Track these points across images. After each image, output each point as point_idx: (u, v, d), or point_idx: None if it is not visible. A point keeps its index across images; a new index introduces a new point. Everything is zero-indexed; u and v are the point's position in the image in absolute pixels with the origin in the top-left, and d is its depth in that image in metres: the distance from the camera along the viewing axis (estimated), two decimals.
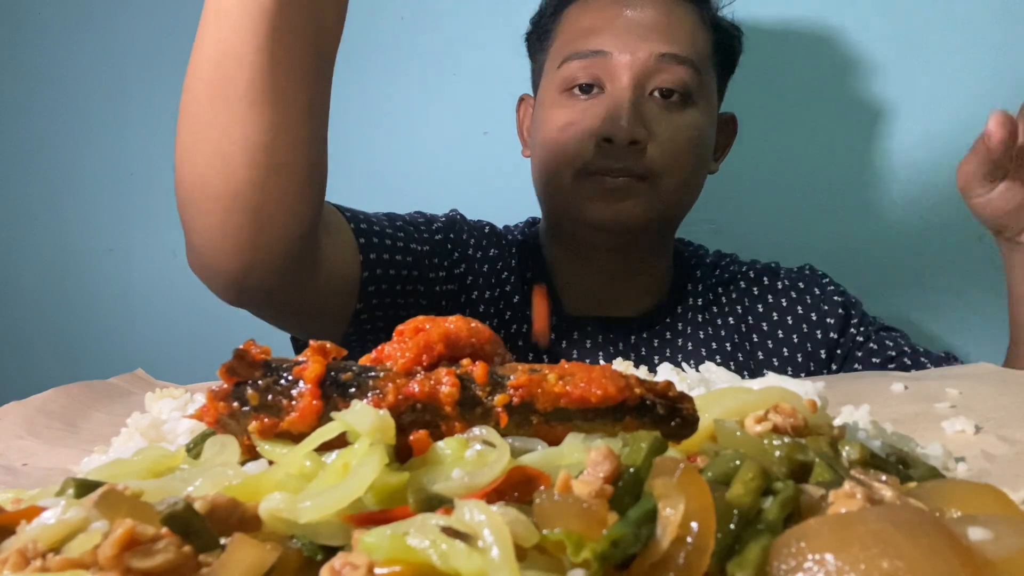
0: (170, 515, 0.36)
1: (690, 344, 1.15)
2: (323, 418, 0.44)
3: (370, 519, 0.36)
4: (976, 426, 0.68)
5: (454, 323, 0.49)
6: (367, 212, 1.04)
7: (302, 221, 0.83)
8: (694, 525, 0.34)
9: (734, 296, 1.19)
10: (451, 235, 1.13)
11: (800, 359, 1.15)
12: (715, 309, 1.18)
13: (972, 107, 1.43)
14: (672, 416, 0.46)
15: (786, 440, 0.43)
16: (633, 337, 1.14)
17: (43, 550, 0.35)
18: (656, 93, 1.05)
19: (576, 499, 0.35)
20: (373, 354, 0.49)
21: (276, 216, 0.79)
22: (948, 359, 1.16)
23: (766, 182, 1.49)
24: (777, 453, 0.42)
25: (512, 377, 0.45)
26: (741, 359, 1.15)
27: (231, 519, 0.38)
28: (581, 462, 0.40)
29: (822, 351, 1.15)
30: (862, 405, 0.67)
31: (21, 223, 1.67)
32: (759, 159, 1.46)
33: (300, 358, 0.46)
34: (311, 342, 0.47)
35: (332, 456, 0.42)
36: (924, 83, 1.45)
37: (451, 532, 0.34)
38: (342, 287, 0.96)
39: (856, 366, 1.14)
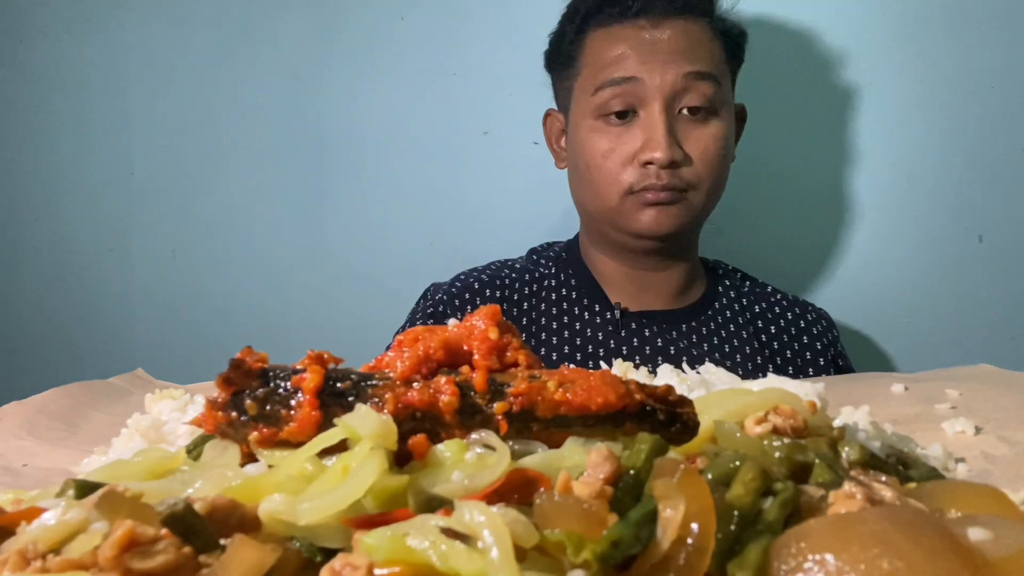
0: (170, 516, 0.36)
1: (723, 333, 1.24)
2: (322, 428, 0.43)
3: (370, 521, 0.36)
4: (976, 427, 0.68)
5: (456, 327, 0.49)
6: None
7: None
8: (694, 526, 0.34)
9: (755, 303, 1.30)
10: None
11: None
12: (744, 302, 1.29)
13: (973, 107, 1.44)
14: (672, 421, 0.46)
15: (786, 441, 0.43)
16: (684, 326, 1.24)
17: (43, 551, 0.35)
18: (685, 111, 1.15)
19: (576, 500, 0.35)
20: (372, 362, 0.49)
21: None
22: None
23: (766, 183, 1.49)
24: (777, 454, 0.42)
25: (512, 384, 0.45)
26: (768, 354, 1.24)
27: (231, 520, 0.38)
28: (581, 464, 0.40)
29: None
30: (862, 406, 0.67)
31: (21, 223, 1.67)
32: (759, 160, 1.46)
33: (298, 366, 0.46)
34: (309, 351, 0.47)
35: (332, 460, 0.41)
36: (924, 83, 1.45)
37: (451, 533, 0.34)
38: None
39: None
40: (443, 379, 0.45)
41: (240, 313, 1.61)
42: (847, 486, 0.38)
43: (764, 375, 0.70)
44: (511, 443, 0.43)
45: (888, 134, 1.47)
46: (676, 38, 1.15)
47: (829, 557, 0.31)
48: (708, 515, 0.34)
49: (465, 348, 0.48)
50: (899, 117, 1.46)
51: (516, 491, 0.38)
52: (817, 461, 0.42)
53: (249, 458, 0.46)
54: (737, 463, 0.39)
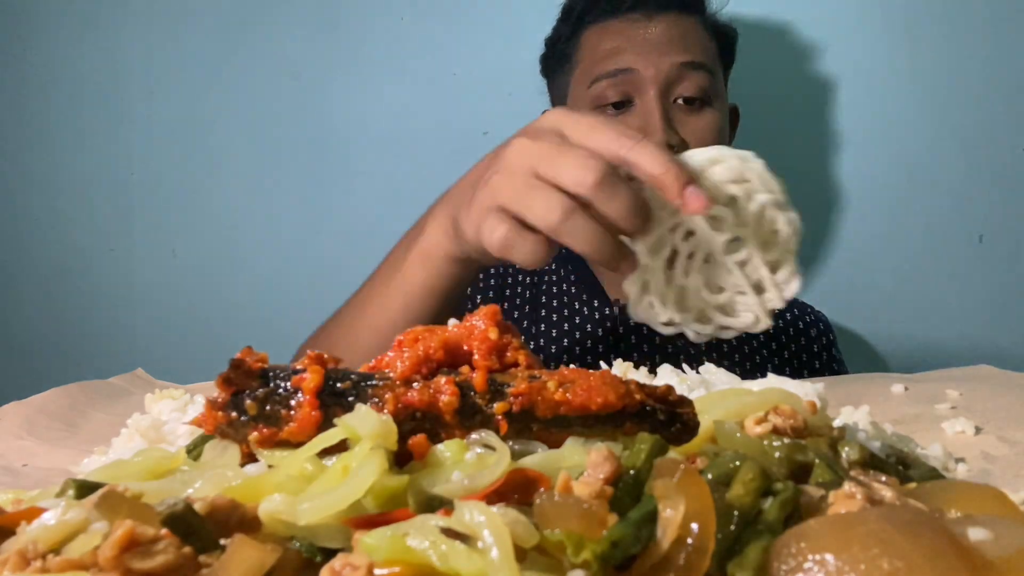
0: (170, 516, 0.36)
1: None
2: (322, 428, 0.43)
3: (370, 521, 0.36)
4: (976, 427, 0.68)
5: (456, 327, 0.49)
6: None
7: None
8: (694, 526, 0.34)
9: None
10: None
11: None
12: None
13: (973, 107, 1.44)
14: (672, 421, 0.45)
15: (786, 441, 0.43)
16: None
17: (43, 551, 0.35)
18: (680, 100, 1.16)
19: (576, 500, 0.35)
20: (372, 363, 0.49)
21: None
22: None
23: None
24: (777, 454, 0.42)
25: (512, 384, 0.45)
26: (766, 354, 1.23)
27: (231, 520, 0.38)
28: (581, 464, 0.40)
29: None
30: (862, 406, 0.67)
31: (21, 223, 1.67)
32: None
33: (298, 366, 0.46)
34: (308, 352, 0.47)
35: (332, 460, 0.41)
36: (924, 83, 1.45)
37: (451, 533, 0.34)
38: None
39: None
40: (443, 379, 0.45)
41: (240, 313, 1.61)
42: (847, 486, 0.38)
43: (763, 375, 0.71)
44: (511, 443, 0.43)
45: (888, 134, 1.47)
46: (669, 30, 1.18)
47: (829, 557, 0.31)
48: (708, 515, 0.34)
49: (465, 348, 0.48)
50: (899, 118, 1.46)
51: (516, 491, 0.38)
52: (817, 461, 0.42)
53: (249, 458, 0.46)
54: (737, 463, 0.39)
